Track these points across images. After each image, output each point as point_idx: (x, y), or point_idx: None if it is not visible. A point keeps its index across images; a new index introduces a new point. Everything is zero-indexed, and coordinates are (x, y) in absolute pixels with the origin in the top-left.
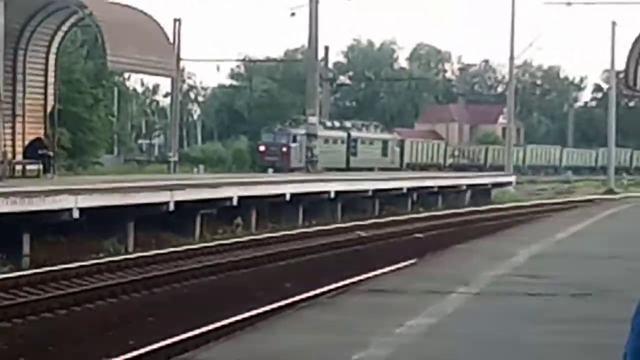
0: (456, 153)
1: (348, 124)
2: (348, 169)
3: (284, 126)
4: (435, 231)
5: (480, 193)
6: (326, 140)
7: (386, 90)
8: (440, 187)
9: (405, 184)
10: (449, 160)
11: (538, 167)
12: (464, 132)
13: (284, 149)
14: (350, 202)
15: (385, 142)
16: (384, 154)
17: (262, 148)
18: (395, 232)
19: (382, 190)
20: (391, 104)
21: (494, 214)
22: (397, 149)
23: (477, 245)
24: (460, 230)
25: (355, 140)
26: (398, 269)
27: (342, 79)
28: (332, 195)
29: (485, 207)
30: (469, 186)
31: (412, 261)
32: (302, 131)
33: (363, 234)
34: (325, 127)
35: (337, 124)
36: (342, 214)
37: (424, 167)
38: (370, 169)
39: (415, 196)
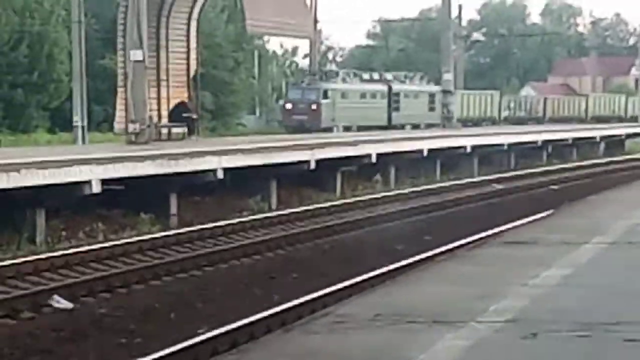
0: (512, 105)
1: (389, 76)
2: (390, 126)
3: (314, 79)
4: (571, 182)
5: (614, 144)
6: (363, 95)
7: (519, 45)
8: (574, 139)
9: (540, 137)
10: (504, 113)
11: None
12: (597, 85)
13: (314, 107)
14: (487, 156)
15: (432, 95)
16: (431, 108)
17: (288, 106)
18: (531, 184)
19: (517, 144)
20: (524, 59)
21: (629, 164)
22: None
23: (611, 195)
24: (595, 181)
25: (397, 94)
26: (535, 220)
27: (476, 36)
28: (469, 150)
29: (620, 157)
30: (603, 137)
31: (548, 212)
32: (335, 85)
33: (499, 186)
34: (362, 80)
35: (376, 76)
36: (478, 168)
37: (476, 123)
38: (417, 127)
39: (550, 148)
